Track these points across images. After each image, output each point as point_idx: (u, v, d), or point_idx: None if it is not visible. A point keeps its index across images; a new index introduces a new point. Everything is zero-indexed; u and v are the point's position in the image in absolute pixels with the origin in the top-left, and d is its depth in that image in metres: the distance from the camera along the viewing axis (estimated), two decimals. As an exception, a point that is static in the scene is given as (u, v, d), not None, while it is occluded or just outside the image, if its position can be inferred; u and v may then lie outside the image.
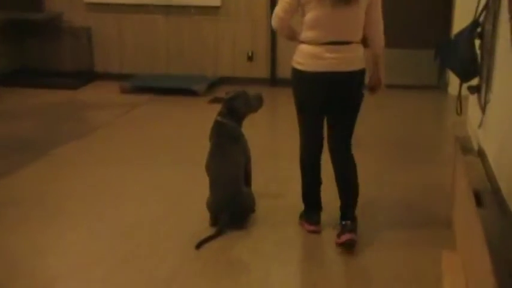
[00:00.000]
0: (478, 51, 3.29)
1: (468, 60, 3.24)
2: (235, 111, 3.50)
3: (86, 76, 7.11)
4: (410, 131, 5.35)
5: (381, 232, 3.38)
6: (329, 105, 3.13)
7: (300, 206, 3.45)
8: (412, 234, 3.35)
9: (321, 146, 3.29)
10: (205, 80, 6.81)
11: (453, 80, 5.91)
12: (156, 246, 3.22)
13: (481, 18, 3.24)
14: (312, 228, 3.32)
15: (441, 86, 6.66)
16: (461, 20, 4.03)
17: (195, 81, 6.70)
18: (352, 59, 3.05)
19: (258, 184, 3.79)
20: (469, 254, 2.56)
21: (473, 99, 3.85)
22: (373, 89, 3.30)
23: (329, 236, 3.34)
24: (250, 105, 3.56)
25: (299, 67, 3.09)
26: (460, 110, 3.50)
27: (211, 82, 6.79)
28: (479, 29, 3.25)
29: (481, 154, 3.21)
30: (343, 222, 3.20)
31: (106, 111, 5.98)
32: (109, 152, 4.79)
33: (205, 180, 3.48)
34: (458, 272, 2.70)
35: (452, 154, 3.72)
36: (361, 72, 3.10)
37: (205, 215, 3.43)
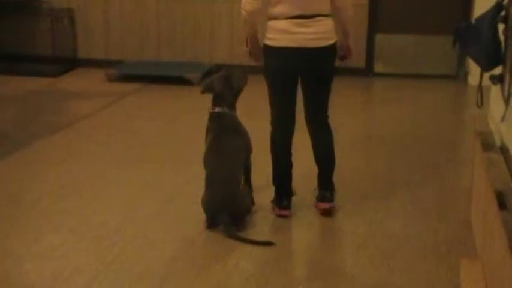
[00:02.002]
0: (502, 37, 3.27)
1: (490, 47, 3.22)
2: (231, 96, 3.50)
3: (67, 62, 7.10)
4: (426, 125, 5.34)
5: (392, 237, 3.37)
6: (302, 79, 3.42)
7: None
8: (426, 239, 3.34)
9: (293, 124, 3.52)
10: (199, 67, 6.79)
11: (473, 69, 5.90)
12: (144, 252, 3.20)
13: (506, 0, 3.22)
14: (281, 212, 3.53)
15: (460, 75, 6.66)
16: (483, 2, 4.02)
17: (189, 69, 6.69)
18: (322, 34, 3.31)
19: (258, 182, 3.78)
20: (490, 262, 2.55)
21: (495, 90, 3.84)
22: (343, 58, 3.56)
23: (336, 243, 3.33)
24: (240, 83, 3.55)
25: (269, 43, 3.35)
26: (481, 102, 3.48)
27: (207, 70, 6.77)
28: (503, 12, 3.22)
29: (504, 151, 3.19)
30: (322, 192, 3.57)
31: (89, 101, 5.97)
32: (92, 147, 4.78)
33: (200, 179, 3.47)
34: (478, 282, 2.69)
35: (471, 151, 3.71)
36: (332, 47, 3.37)
37: (199, 217, 3.42)
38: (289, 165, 3.58)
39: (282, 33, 3.28)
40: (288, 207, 3.55)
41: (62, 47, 7.12)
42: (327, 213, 3.54)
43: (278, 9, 3.28)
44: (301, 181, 3.77)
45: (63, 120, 5.40)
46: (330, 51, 3.36)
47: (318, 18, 3.28)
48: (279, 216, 3.53)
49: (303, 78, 3.41)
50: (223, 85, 3.48)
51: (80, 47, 7.27)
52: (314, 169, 3.68)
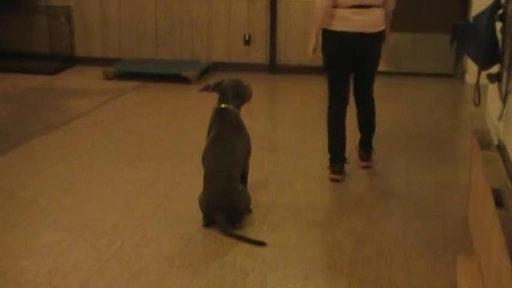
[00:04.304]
0: (499, 35, 3.28)
1: (488, 45, 3.23)
2: (240, 97, 3.56)
3: (65, 60, 7.09)
4: (423, 123, 5.34)
5: (389, 234, 3.38)
6: (354, 60, 3.92)
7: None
8: (424, 237, 3.35)
9: (346, 100, 3.99)
10: (197, 65, 6.80)
11: (471, 67, 5.90)
12: (141, 249, 3.21)
13: (503, -1, 3.22)
14: (333, 176, 3.97)
15: (457, 73, 6.66)
16: (480, 0, 4.02)
17: (186, 67, 6.69)
18: (374, 21, 3.84)
19: (256, 180, 3.79)
20: (487, 259, 2.56)
21: (493, 88, 3.85)
22: None
23: (334, 240, 3.33)
24: (247, 93, 3.64)
25: (330, 27, 3.84)
26: (478, 100, 3.49)
27: (204, 68, 6.78)
28: (501, 11, 3.23)
29: (501, 149, 3.20)
30: (362, 151, 4.23)
31: (87, 99, 5.97)
32: (89, 145, 4.78)
33: (197, 178, 3.47)
34: (475, 279, 2.70)
35: (469, 149, 3.71)
36: (382, 32, 3.94)
37: (196, 215, 3.42)
38: (341, 136, 4.00)
39: (341, 20, 3.79)
40: (339, 171, 3.97)
41: (59, 44, 7.11)
42: (366, 168, 4.19)
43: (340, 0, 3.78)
44: (302, 179, 3.79)
45: (61, 118, 5.39)
46: (380, 36, 3.92)
47: (372, 8, 3.81)
48: (331, 180, 3.95)
49: (355, 59, 3.90)
50: (234, 87, 3.57)
51: (78, 44, 7.26)
52: (314, 165, 3.69)
